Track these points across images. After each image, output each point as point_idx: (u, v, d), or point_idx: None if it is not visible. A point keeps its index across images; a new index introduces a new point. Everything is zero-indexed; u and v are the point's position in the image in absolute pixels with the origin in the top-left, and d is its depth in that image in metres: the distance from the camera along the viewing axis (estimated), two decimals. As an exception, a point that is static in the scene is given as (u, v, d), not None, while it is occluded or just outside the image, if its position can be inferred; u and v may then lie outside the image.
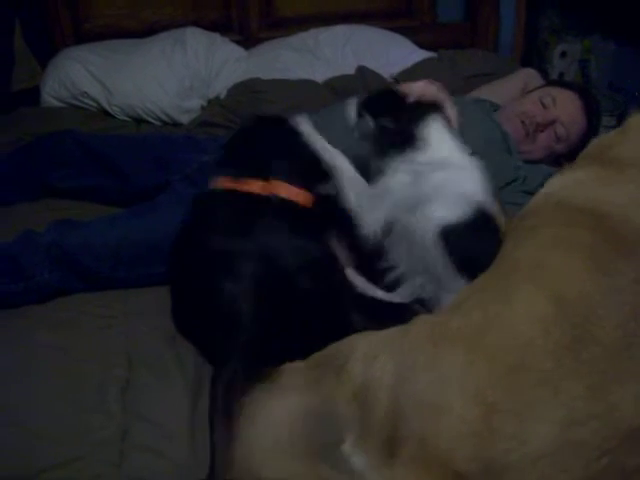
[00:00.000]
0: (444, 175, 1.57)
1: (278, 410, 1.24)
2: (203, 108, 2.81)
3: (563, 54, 3.91)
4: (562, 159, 2.20)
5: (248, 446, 1.21)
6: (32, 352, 1.59)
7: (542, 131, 2.17)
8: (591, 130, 2.22)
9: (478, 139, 1.94)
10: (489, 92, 2.49)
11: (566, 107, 2.21)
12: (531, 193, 1.79)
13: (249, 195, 1.64)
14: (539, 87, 2.37)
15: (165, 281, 1.69)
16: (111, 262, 1.79)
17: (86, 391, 1.50)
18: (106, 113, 2.78)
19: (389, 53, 3.01)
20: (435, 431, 1.07)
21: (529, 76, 2.58)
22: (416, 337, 1.21)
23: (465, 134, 1.90)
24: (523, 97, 2.34)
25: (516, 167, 2.09)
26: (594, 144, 1.47)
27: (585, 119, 2.22)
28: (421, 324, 1.25)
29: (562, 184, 1.38)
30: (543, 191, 1.42)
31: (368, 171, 1.71)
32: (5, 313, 1.73)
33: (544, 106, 2.19)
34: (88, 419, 1.43)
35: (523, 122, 2.17)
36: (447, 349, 1.15)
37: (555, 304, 1.13)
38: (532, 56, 3.89)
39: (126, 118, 2.77)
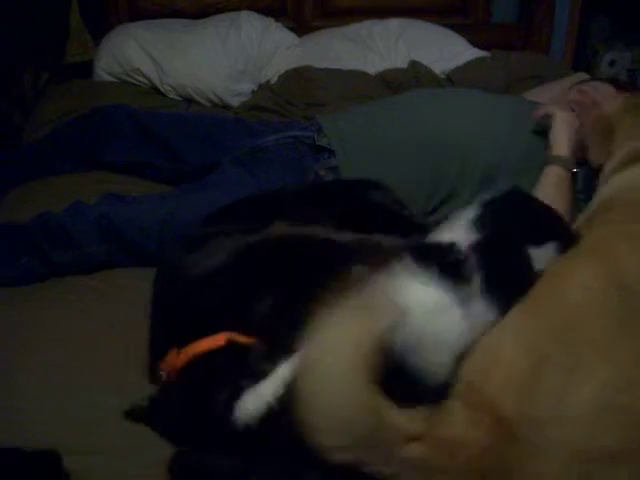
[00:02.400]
0: None
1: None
2: (254, 92, 2.81)
3: (612, 62, 3.87)
4: None
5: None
6: (81, 322, 1.61)
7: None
8: None
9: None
10: (540, 93, 2.46)
11: (604, 90, 2.19)
12: None
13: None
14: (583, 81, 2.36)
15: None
16: (158, 239, 1.80)
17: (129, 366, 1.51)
18: (157, 91, 2.79)
19: (442, 49, 3.00)
20: (485, 375, 1.10)
21: (580, 79, 2.55)
22: None
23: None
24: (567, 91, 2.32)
25: None
26: None
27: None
28: None
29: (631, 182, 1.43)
30: (612, 189, 1.46)
31: None
32: (53, 282, 1.76)
33: (584, 92, 2.18)
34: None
35: (573, 110, 2.15)
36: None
37: (611, 280, 1.18)
38: (581, 63, 3.86)
39: (177, 97, 2.77)
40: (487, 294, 1.24)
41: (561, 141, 1.93)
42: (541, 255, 1.35)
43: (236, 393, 1.23)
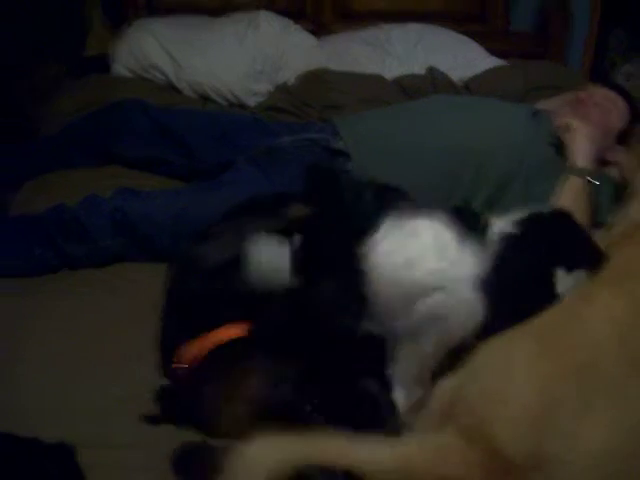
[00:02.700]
0: None
1: None
2: (270, 93, 2.81)
3: (629, 75, 3.86)
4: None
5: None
6: (92, 315, 1.62)
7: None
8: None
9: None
10: (550, 103, 2.45)
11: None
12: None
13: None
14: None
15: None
16: (171, 235, 1.81)
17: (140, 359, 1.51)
18: (173, 88, 2.79)
19: (460, 56, 2.99)
20: (493, 413, 1.06)
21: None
22: None
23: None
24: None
25: None
26: None
27: (623, 100, 2.21)
28: None
29: None
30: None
31: None
32: (65, 274, 1.77)
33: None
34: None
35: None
36: (520, 338, 1.15)
37: (636, 312, 1.13)
38: (598, 74, 3.84)
39: (193, 95, 2.77)
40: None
41: (581, 152, 1.93)
42: (567, 281, 1.35)
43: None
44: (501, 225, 1.37)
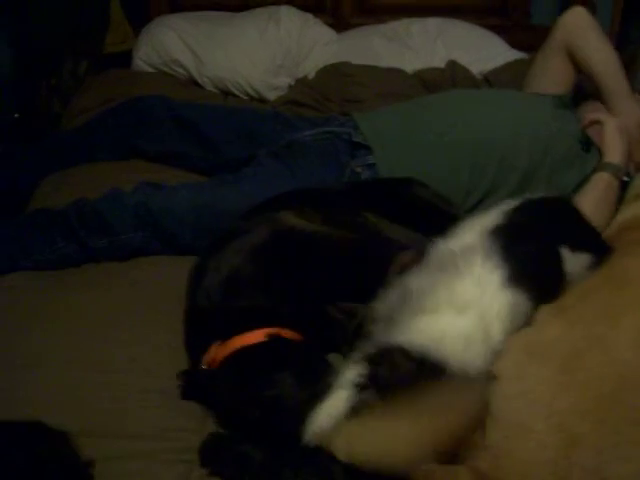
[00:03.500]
0: None
1: None
2: (290, 87, 2.81)
3: (650, 70, 3.83)
4: None
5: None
6: (115, 310, 1.62)
7: None
8: None
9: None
10: None
11: None
12: None
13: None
14: None
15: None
16: (193, 228, 1.82)
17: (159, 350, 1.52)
18: (195, 83, 2.81)
19: (481, 50, 2.97)
20: (510, 449, 1.05)
21: None
22: (510, 342, 1.18)
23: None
24: None
25: None
26: None
27: None
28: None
29: None
30: None
31: None
32: (88, 267, 1.78)
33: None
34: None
35: None
36: (540, 363, 1.12)
37: None
38: (619, 68, 3.81)
39: (214, 90, 2.78)
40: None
41: (614, 148, 1.91)
42: (573, 261, 1.35)
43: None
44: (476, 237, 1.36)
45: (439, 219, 1.64)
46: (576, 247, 1.36)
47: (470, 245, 1.32)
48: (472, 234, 1.35)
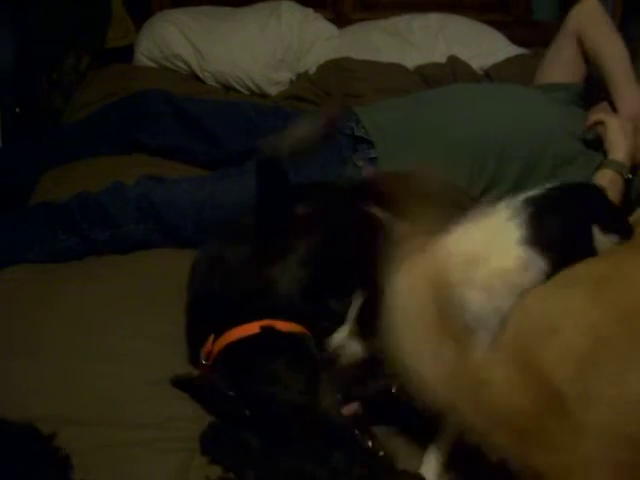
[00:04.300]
0: None
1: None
2: (292, 82, 2.82)
3: (649, 65, 3.82)
4: None
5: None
6: (117, 302, 1.63)
7: None
8: None
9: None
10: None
11: None
12: None
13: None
14: None
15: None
16: (195, 221, 1.83)
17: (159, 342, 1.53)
18: (196, 78, 2.81)
19: (481, 45, 2.98)
20: (542, 345, 1.10)
21: None
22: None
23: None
24: None
25: None
26: None
27: None
28: None
29: None
30: None
31: None
32: (90, 259, 1.79)
33: None
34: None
35: None
36: (571, 287, 1.19)
37: None
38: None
39: (215, 84, 2.79)
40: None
41: (617, 146, 1.91)
42: (603, 241, 1.38)
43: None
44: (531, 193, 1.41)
45: None
46: (607, 229, 1.39)
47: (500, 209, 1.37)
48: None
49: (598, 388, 1.04)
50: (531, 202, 1.36)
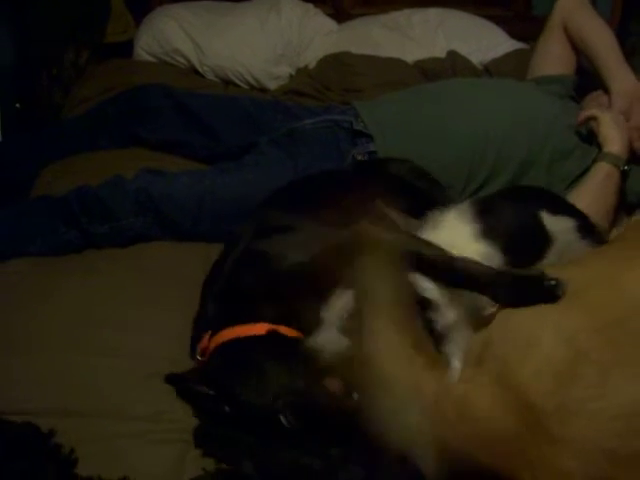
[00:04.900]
0: None
1: None
2: (291, 76, 2.82)
3: (650, 61, 3.82)
4: None
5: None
6: (116, 295, 1.63)
7: None
8: None
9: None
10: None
11: None
12: None
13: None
14: None
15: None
16: (194, 215, 1.83)
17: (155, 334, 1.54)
18: (196, 72, 2.81)
19: (481, 40, 2.97)
20: (520, 360, 1.08)
21: None
22: None
23: None
24: None
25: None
26: None
27: None
28: None
29: None
30: None
31: None
32: (89, 252, 1.79)
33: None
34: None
35: None
36: None
37: None
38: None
39: (215, 79, 2.79)
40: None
41: (611, 139, 1.91)
42: (554, 222, 1.45)
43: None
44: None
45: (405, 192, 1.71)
46: (554, 211, 1.47)
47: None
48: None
49: (578, 402, 1.01)
50: (479, 201, 1.47)
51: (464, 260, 1.26)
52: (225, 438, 1.27)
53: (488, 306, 1.25)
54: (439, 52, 2.89)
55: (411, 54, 2.87)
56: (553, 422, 1.01)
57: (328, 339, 1.32)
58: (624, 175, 1.91)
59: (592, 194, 1.84)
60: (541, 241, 1.41)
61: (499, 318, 1.19)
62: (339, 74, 2.67)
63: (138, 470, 1.24)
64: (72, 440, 1.24)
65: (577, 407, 1.01)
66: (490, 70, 2.81)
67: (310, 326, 1.35)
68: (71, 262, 1.75)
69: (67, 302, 1.59)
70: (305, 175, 1.82)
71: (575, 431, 1.00)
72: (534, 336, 1.11)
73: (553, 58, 2.33)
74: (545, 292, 1.15)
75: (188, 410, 1.35)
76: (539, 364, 1.06)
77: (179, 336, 1.51)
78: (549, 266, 1.31)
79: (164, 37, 2.82)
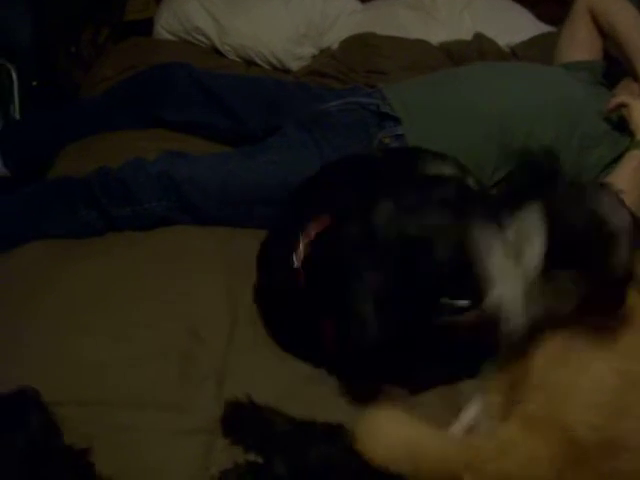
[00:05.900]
0: None
1: None
2: (314, 57, 2.78)
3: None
4: None
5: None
6: (135, 278, 1.60)
7: None
8: None
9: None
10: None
11: None
12: None
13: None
14: None
15: (264, 224, 1.66)
16: (217, 199, 1.79)
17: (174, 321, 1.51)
18: (216, 51, 2.76)
19: (507, 22, 2.92)
20: (563, 396, 1.04)
21: None
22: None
23: None
24: None
25: None
26: None
27: None
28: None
29: None
30: None
31: None
32: (110, 235, 1.76)
33: None
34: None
35: None
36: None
37: None
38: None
39: (236, 58, 2.74)
40: None
41: None
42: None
43: None
44: None
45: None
46: None
47: None
48: None
49: (625, 435, 0.98)
50: None
51: None
52: (254, 424, 1.24)
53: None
54: (465, 34, 2.84)
55: (436, 35, 2.82)
56: (598, 455, 0.98)
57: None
58: None
59: (625, 183, 1.79)
60: None
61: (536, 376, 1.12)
62: (363, 55, 2.62)
63: (160, 464, 1.21)
64: (83, 433, 1.20)
65: (624, 440, 0.98)
66: (517, 53, 2.76)
67: None
68: (90, 245, 1.72)
69: (84, 286, 1.56)
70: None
71: (622, 465, 0.97)
72: (575, 381, 1.06)
73: (579, 43, 2.28)
74: None
75: (214, 396, 1.32)
76: (585, 397, 1.03)
77: (198, 321, 1.49)
78: None
79: (185, 15, 2.77)
